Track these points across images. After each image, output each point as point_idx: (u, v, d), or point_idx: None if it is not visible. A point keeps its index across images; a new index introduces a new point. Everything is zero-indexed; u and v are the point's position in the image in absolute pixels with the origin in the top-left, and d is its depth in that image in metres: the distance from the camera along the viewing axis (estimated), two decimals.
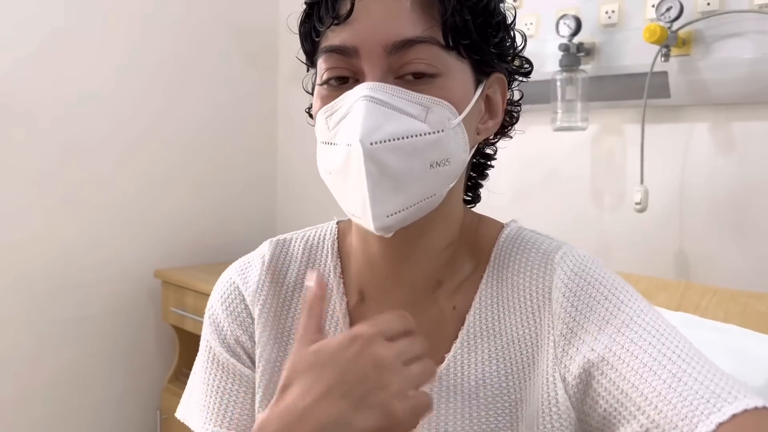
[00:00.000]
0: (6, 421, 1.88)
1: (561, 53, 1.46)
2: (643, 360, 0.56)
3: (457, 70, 0.62)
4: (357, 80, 0.61)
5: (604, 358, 0.58)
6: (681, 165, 1.45)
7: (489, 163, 0.76)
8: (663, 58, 1.35)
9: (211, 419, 0.71)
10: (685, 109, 1.44)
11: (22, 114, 1.84)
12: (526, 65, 0.72)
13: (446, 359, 0.67)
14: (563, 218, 1.63)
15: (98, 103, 1.98)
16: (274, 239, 0.78)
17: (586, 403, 0.59)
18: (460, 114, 0.62)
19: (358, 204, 0.60)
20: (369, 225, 0.60)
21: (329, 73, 0.62)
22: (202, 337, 0.76)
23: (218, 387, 0.72)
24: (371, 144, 0.57)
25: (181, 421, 0.76)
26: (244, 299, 0.74)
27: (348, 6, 0.60)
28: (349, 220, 0.75)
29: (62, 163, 1.92)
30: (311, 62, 0.68)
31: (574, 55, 1.46)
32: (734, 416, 0.50)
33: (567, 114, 1.48)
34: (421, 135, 0.59)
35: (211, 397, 0.72)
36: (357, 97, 0.59)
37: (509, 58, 0.69)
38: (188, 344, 2.10)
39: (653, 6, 1.36)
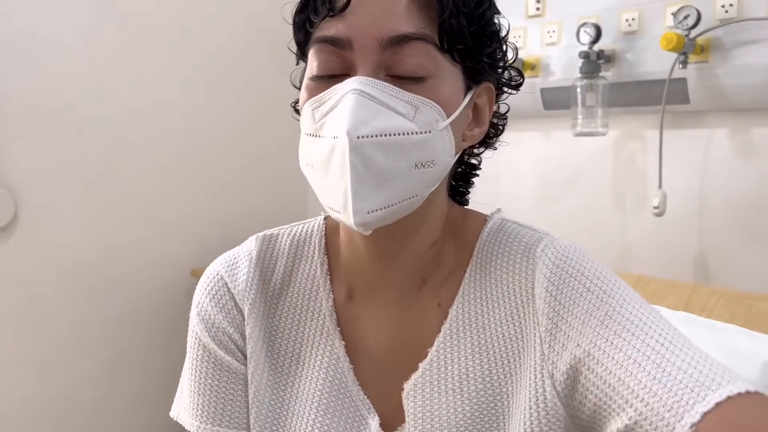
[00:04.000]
0: (54, 412, 1.97)
1: (581, 60, 1.50)
2: (628, 352, 0.56)
3: (449, 73, 0.62)
4: (348, 75, 0.60)
5: (589, 353, 0.58)
6: (700, 170, 1.46)
7: (474, 172, 0.76)
8: (681, 65, 1.38)
9: (206, 418, 0.70)
10: (704, 114, 1.46)
11: (70, 118, 1.92)
12: (517, 77, 0.72)
13: (429, 353, 0.67)
14: (584, 222, 1.66)
15: (140, 107, 2.06)
16: (261, 234, 0.77)
17: (575, 398, 0.59)
18: (448, 117, 0.61)
19: (339, 198, 0.58)
20: (349, 220, 0.58)
21: (320, 67, 0.61)
22: (189, 335, 0.75)
23: (212, 384, 0.71)
24: (358, 137, 0.56)
25: (175, 419, 0.75)
26: (233, 296, 0.72)
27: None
28: None
29: (106, 167, 2.00)
30: (302, 53, 0.67)
31: (594, 62, 1.49)
32: (718, 404, 0.50)
33: (587, 120, 1.51)
34: (408, 134, 0.58)
35: (203, 395, 0.71)
36: (347, 90, 0.58)
37: (500, 69, 0.69)
38: None
39: (672, 14, 1.39)
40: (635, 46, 1.49)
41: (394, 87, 0.59)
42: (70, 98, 1.93)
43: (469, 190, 0.77)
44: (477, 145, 0.73)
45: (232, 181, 2.31)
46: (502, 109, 0.74)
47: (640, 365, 0.55)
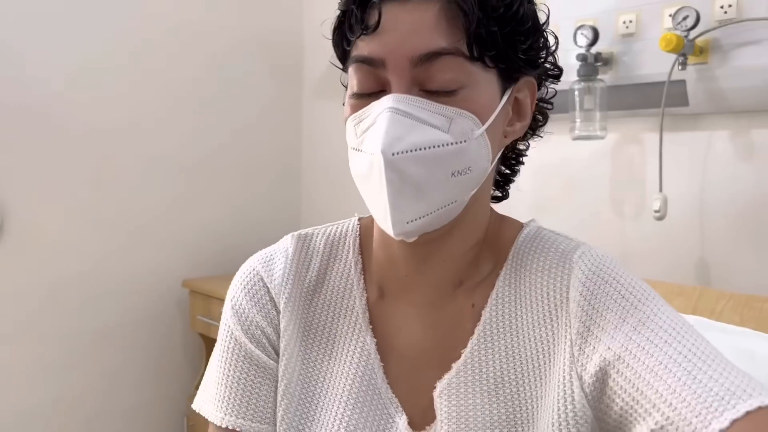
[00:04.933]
0: (39, 427, 1.93)
1: (579, 63, 1.48)
2: (659, 358, 0.56)
3: (482, 80, 0.63)
4: (384, 92, 0.63)
5: (620, 357, 0.58)
6: (700, 173, 1.45)
7: (520, 158, 0.77)
8: (680, 67, 1.36)
9: (231, 410, 0.71)
10: (704, 117, 1.45)
11: (57, 127, 1.90)
12: (555, 69, 0.72)
13: (463, 355, 0.68)
14: (583, 226, 1.64)
15: (130, 117, 2.04)
16: (296, 233, 0.79)
17: (603, 401, 0.60)
18: (483, 124, 0.62)
19: (379, 209, 0.62)
20: (389, 230, 0.62)
21: (359, 86, 0.64)
22: (221, 327, 0.76)
23: (239, 378, 0.72)
24: (393, 154, 0.59)
25: (198, 411, 0.75)
26: (269, 291, 0.74)
27: (376, 17, 0.61)
28: (371, 217, 0.76)
29: (94, 176, 1.97)
30: (344, 67, 0.69)
31: (591, 64, 1.47)
32: (748, 413, 0.50)
33: (585, 123, 1.50)
34: (443, 145, 0.60)
35: (231, 387, 0.72)
36: (382, 108, 0.61)
37: (540, 61, 0.69)
38: None
39: (670, 15, 1.38)
40: (633, 49, 1.47)
41: (427, 101, 0.61)
42: (59, 109, 1.90)
43: (513, 179, 0.78)
44: (523, 135, 0.73)
45: (224, 190, 2.28)
46: (549, 93, 0.75)
47: (670, 371, 0.55)
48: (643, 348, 0.58)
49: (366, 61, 0.63)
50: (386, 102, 0.61)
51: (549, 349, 0.65)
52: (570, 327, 0.63)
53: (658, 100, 1.42)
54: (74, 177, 1.94)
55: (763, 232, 1.37)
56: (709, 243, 1.44)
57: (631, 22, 1.46)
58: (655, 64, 1.42)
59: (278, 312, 0.74)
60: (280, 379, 0.72)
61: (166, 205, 2.14)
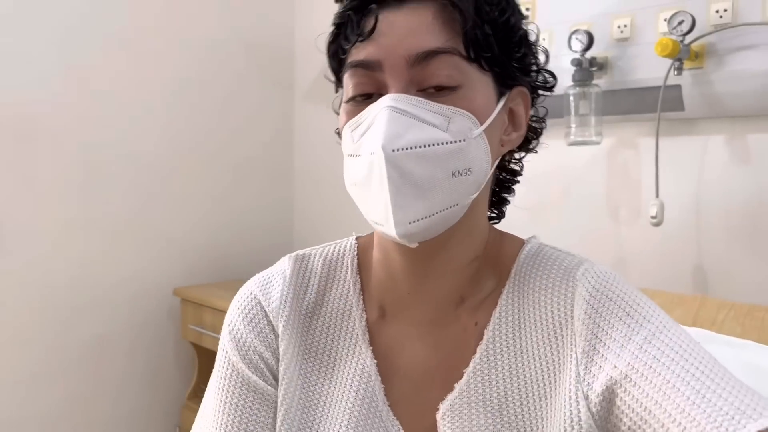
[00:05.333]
0: None
1: (574, 68, 1.47)
2: (666, 377, 0.56)
3: (479, 81, 0.63)
4: (381, 95, 0.63)
5: (626, 375, 0.58)
6: (697, 178, 1.44)
7: (515, 178, 0.77)
8: (676, 72, 1.35)
9: None
10: (700, 121, 1.44)
11: (44, 133, 1.87)
12: (550, 79, 0.73)
13: (465, 374, 0.67)
14: (579, 233, 1.63)
15: (118, 121, 2.01)
16: (293, 255, 0.77)
17: (610, 421, 0.59)
18: (481, 124, 0.62)
19: (380, 211, 0.61)
20: (391, 231, 0.60)
21: (355, 89, 0.64)
22: (218, 354, 0.75)
23: (237, 405, 0.70)
24: (393, 151, 0.58)
25: None
26: (266, 315, 0.73)
27: (372, 22, 0.62)
28: (369, 236, 0.77)
29: (83, 184, 1.95)
30: (339, 80, 0.69)
31: (586, 69, 1.46)
32: None
33: (581, 128, 1.49)
34: (442, 144, 0.60)
35: (228, 415, 0.70)
36: (380, 107, 0.61)
37: (532, 73, 0.70)
38: (207, 361, 2.11)
39: (665, 20, 1.37)
40: (628, 53, 1.46)
41: (425, 100, 0.61)
42: (45, 114, 1.87)
43: (509, 198, 0.78)
44: (517, 150, 0.74)
45: (216, 197, 2.26)
46: (540, 112, 0.75)
47: (678, 390, 0.55)
48: (650, 366, 0.57)
49: (362, 65, 0.63)
50: (384, 101, 0.61)
51: (554, 368, 0.64)
52: (575, 346, 0.63)
53: (653, 105, 1.41)
54: (63, 184, 1.91)
55: (759, 237, 1.36)
56: (706, 248, 1.43)
57: (626, 26, 1.46)
58: (650, 68, 1.41)
59: (277, 336, 0.72)
60: (279, 405, 0.70)
61: (157, 213, 2.12)
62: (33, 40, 1.83)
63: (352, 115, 0.65)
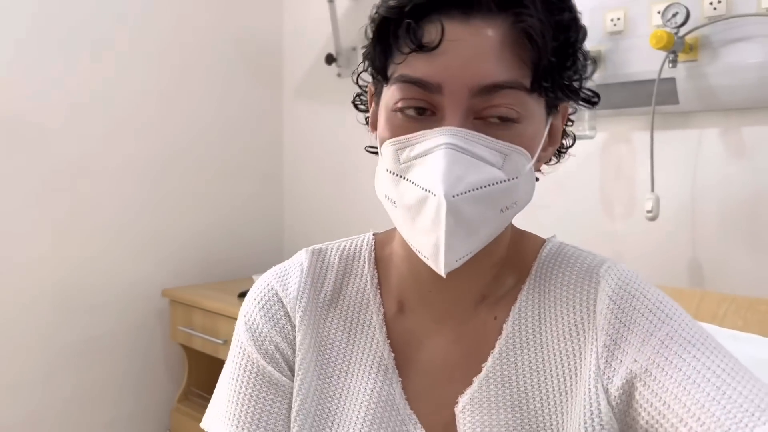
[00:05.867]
0: None
1: None
2: (687, 372, 0.56)
3: (535, 111, 0.60)
4: (434, 113, 0.59)
5: (647, 370, 0.58)
6: (692, 171, 1.43)
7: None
8: (670, 64, 1.34)
9: (241, 428, 0.69)
10: (694, 114, 1.43)
11: (30, 133, 1.84)
12: (594, 98, 0.69)
13: (484, 368, 0.66)
14: (574, 227, 1.61)
15: (105, 123, 1.98)
16: (310, 248, 0.77)
17: (629, 414, 0.59)
18: (533, 157, 0.61)
19: (429, 248, 0.59)
20: (438, 270, 0.60)
21: (405, 102, 0.60)
22: (233, 344, 0.74)
23: (251, 395, 0.70)
24: (454, 196, 0.56)
25: (206, 429, 0.73)
26: (284, 305, 0.73)
27: (435, 36, 0.57)
28: (387, 232, 0.76)
29: (70, 185, 1.92)
30: (383, 76, 0.63)
31: None
32: None
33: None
34: (497, 183, 0.58)
35: (243, 405, 0.70)
36: (439, 142, 0.57)
37: (578, 87, 0.66)
38: (197, 363, 2.08)
39: (659, 12, 1.36)
40: (621, 46, 1.45)
41: (484, 136, 0.58)
42: (35, 115, 1.84)
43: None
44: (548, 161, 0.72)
45: (204, 197, 2.23)
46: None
47: (698, 385, 0.55)
48: (671, 362, 0.57)
49: (419, 84, 0.58)
50: (443, 137, 0.57)
51: (574, 363, 0.64)
52: (596, 340, 0.63)
53: (647, 99, 1.40)
54: (50, 185, 1.88)
55: (755, 230, 1.35)
56: (701, 242, 1.42)
57: (618, 19, 1.44)
58: (644, 61, 1.40)
59: (293, 327, 0.72)
60: (295, 396, 0.70)
61: (145, 213, 2.09)
62: (21, 42, 1.80)
63: (399, 129, 0.61)
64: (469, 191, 0.57)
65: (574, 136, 0.73)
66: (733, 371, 0.56)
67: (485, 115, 0.58)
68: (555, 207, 1.65)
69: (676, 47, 1.32)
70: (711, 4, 1.31)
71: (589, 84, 1.50)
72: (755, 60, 1.27)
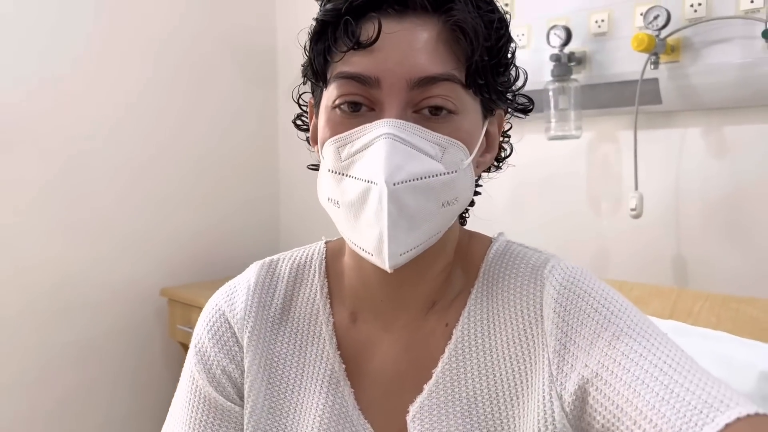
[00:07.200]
0: None
1: (553, 63, 1.48)
2: (635, 373, 0.56)
3: (471, 107, 0.62)
4: (372, 109, 0.61)
5: (597, 374, 0.58)
6: (675, 170, 1.46)
7: (477, 190, 0.75)
8: (652, 66, 1.37)
9: None
10: (677, 114, 1.46)
11: (27, 136, 1.86)
12: (527, 103, 0.72)
13: (434, 375, 0.66)
14: (560, 226, 1.64)
15: (101, 123, 2.00)
16: (260, 262, 0.77)
17: (584, 419, 0.59)
18: (471, 154, 0.62)
19: (372, 241, 0.60)
20: (383, 264, 0.60)
21: (344, 98, 0.61)
22: (185, 369, 0.74)
23: (201, 422, 0.70)
24: (394, 184, 0.57)
25: None
26: (231, 327, 0.72)
27: (372, 32, 0.58)
28: (340, 240, 0.75)
29: (66, 185, 1.94)
30: (322, 80, 0.64)
31: (565, 64, 1.47)
32: (728, 426, 0.49)
33: (560, 123, 1.50)
34: (437, 175, 0.60)
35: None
36: (378, 133, 0.58)
37: (512, 95, 0.69)
38: None
39: (641, 14, 1.38)
40: (605, 48, 1.48)
41: (423, 128, 0.60)
42: (29, 114, 1.86)
43: (469, 208, 0.77)
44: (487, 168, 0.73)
45: (201, 196, 2.25)
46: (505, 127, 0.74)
47: (648, 386, 0.55)
48: (620, 363, 0.57)
49: (357, 79, 0.60)
50: (383, 128, 0.58)
51: (525, 367, 0.64)
52: (546, 345, 0.63)
53: (631, 99, 1.43)
54: (47, 186, 1.90)
55: (739, 228, 1.38)
56: (685, 240, 1.45)
57: (603, 21, 1.47)
58: (627, 62, 1.43)
59: (241, 348, 0.72)
60: (246, 421, 0.70)
61: (142, 213, 2.11)
62: (12, 42, 1.82)
63: (338, 127, 0.61)
64: (410, 180, 0.58)
65: (512, 146, 0.75)
66: (680, 366, 0.56)
67: (423, 106, 0.60)
68: (541, 206, 1.67)
69: (657, 49, 1.34)
70: (692, 6, 1.34)
71: (573, 85, 1.53)
72: (735, 60, 1.30)
